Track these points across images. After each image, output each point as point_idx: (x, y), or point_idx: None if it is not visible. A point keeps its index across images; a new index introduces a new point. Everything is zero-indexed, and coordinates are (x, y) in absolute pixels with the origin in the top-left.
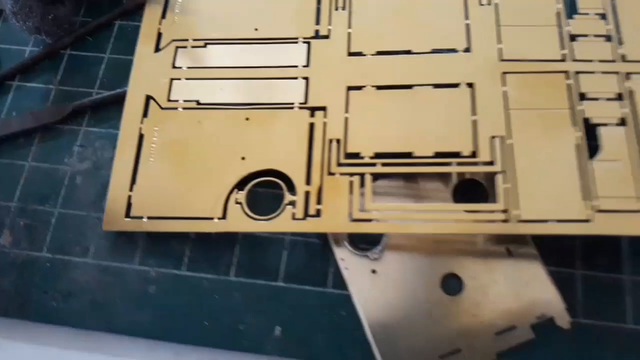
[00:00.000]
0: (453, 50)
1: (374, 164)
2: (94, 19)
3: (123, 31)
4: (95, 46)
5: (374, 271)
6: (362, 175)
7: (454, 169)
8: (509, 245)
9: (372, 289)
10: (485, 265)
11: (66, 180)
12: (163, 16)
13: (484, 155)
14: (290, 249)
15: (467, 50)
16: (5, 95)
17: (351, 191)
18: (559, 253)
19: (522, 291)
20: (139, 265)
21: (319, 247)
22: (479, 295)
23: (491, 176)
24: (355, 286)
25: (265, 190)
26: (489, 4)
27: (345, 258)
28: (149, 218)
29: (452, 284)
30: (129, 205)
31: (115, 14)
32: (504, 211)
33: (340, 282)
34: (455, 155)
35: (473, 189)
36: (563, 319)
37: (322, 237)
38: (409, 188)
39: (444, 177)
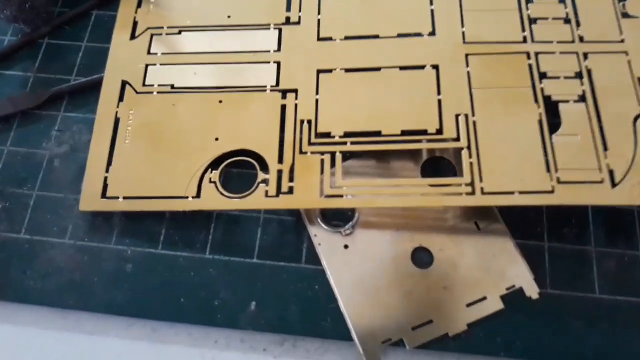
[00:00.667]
0: (418, 35)
1: (344, 143)
2: (72, 8)
3: (100, 20)
4: (72, 35)
5: (346, 246)
6: (332, 153)
7: (420, 146)
8: (477, 221)
9: (345, 263)
10: (454, 239)
11: (44, 163)
12: (139, 5)
13: (449, 133)
14: (264, 227)
15: (432, 34)
16: None
17: (322, 169)
18: (527, 226)
19: (491, 264)
20: (115, 244)
21: (292, 225)
22: (448, 268)
23: (458, 152)
24: (328, 261)
25: (239, 170)
26: None
27: (318, 234)
28: (125, 198)
29: (422, 257)
30: (105, 186)
31: (92, 4)
32: (469, 184)
33: (313, 258)
34: (422, 132)
35: (442, 167)
36: (532, 290)
37: (295, 215)
38: (380, 168)
39: (414, 155)
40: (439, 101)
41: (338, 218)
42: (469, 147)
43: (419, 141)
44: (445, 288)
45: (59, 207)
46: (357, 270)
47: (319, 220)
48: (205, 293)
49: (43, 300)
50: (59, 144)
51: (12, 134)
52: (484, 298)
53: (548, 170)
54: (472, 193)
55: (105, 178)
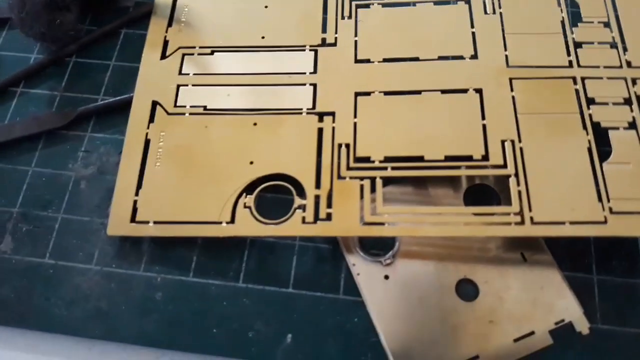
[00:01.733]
0: (460, 58)
1: (384, 168)
2: (100, 27)
3: (129, 39)
4: (100, 53)
5: (386, 277)
6: (372, 179)
7: (465, 172)
8: (523, 251)
9: (385, 295)
10: (500, 271)
11: (70, 185)
12: (169, 24)
13: (495, 159)
14: (299, 255)
15: (474, 57)
16: (9, 102)
17: (362, 195)
18: (574, 258)
19: (538, 296)
20: (145, 271)
21: (329, 253)
22: (494, 300)
23: (502, 180)
24: (368, 292)
25: (274, 195)
26: (494, 12)
27: (357, 263)
28: (155, 223)
29: (466, 290)
30: (135, 210)
31: (121, 22)
32: (518, 213)
33: (352, 288)
34: (467, 158)
35: (483, 195)
36: (582, 325)
37: (333, 243)
38: (419, 194)
39: (453, 182)
40: (484, 126)
41: (377, 246)
42: (516, 175)
43: (462, 167)
44: (492, 322)
45: (85, 231)
46: (399, 303)
47: (357, 248)
48: (239, 324)
49: (68, 329)
50: (85, 165)
51: (37, 154)
52: (532, 333)
53: (600, 200)
54: (522, 223)
55: (135, 202)
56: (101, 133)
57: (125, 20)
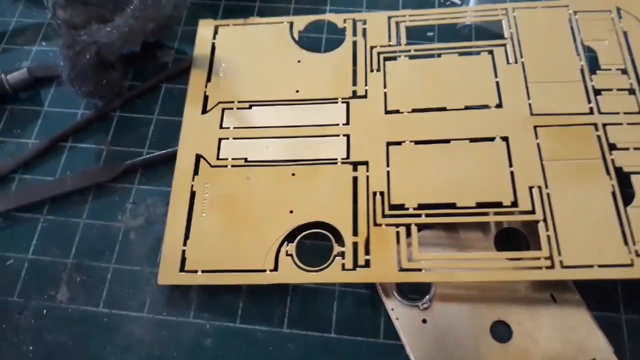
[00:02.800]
0: (485, 107)
1: (418, 215)
2: (141, 82)
3: (169, 94)
4: (143, 108)
5: (424, 321)
6: (407, 225)
7: (496, 218)
8: (552, 292)
9: (424, 338)
10: (531, 312)
11: (120, 236)
12: (208, 79)
13: (524, 205)
14: (340, 300)
15: (499, 106)
16: (60, 156)
17: (398, 241)
18: (602, 297)
19: (569, 336)
20: (194, 318)
21: (368, 298)
22: (527, 341)
23: (530, 225)
24: (407, 336)
25: (312, 242)
26: (516, 62)
27: (395, 308)
28: (203, 272)
29: (500, 331)
30: (183, 259)
31: (161, 78)
32: (548, 258)
33: (391, 332)
34: (497, 205)
35: (512, 237)
36: None
37: (371, 288)
38: (451, 238)
39: (483, 227)
40: (512, 173)
41: (413, 290)
42: (544, 220)
43: (491, 213)
44: None
45: (137, 280)
46: (437, 345)
47: (395, 293)
48: None
49: None
50: (134, 216)
51: (88, 206)
52: None
53: (626, 242)
54: (552, 267)
55: (183, 251)
56: (147, 185)
57: (165, 75)
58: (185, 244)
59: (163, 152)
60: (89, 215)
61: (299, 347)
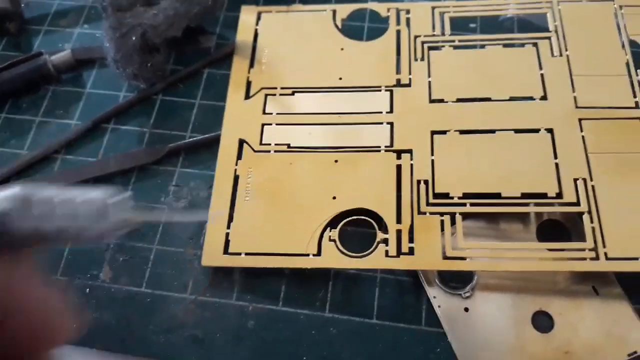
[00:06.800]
0: (530, 99)
1: (463, 204)
2: (184, 67)
3: (211, 79)
4: (186, 92)
5: (466, 309)
6: (451, 214)
7: (540, 209)
8: (594, 284)
9: (466, 327)
10: (574, 303)
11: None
12: (251, 65)
13: (568, 196)
14: (381, 286)
15: (543, 98)
16: (102, 137)
17: (442, 230)
18: None
19: (611, 329)
20: (237, 300)
21: (410, 285)
22: (569, 332)
23: (572, 216)
24: (449, 324)
25: (353, 229)
26: (561, 55)
27: (438, 296)
28: (247, 254)
29: (542, 322)
30: (227, 242)
31: (204, 63)
32: (593, 249)
33: (433, 320)
34: (542, 196)
35: (554, 230)
36: None
37: (413, 275)
38: (492, 229)
39: (524, 218)
40: (557, 165)
41: (455, 279)
42: (589, 212)
43: (533, 204)
44: (567, 353)
45: (179, 262)
46: (478, 335)
47: (437, 281)
48: (328, 352)
49: (166, 355)
50: (177, 199)
51: (130, 188)
52: None
53: None
54: (596, 258)
55: (227, 234)
56: (190, 168)
57: (208, 60)
58: (228, 227)
59: (206, 136)
60: (132, 197)
61: (341, 331)
